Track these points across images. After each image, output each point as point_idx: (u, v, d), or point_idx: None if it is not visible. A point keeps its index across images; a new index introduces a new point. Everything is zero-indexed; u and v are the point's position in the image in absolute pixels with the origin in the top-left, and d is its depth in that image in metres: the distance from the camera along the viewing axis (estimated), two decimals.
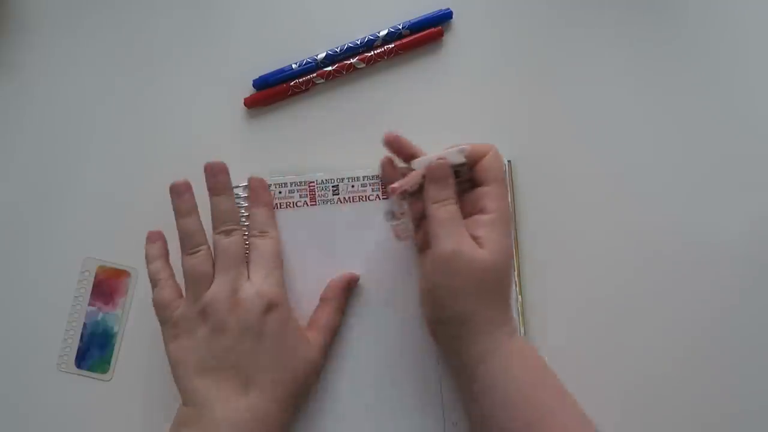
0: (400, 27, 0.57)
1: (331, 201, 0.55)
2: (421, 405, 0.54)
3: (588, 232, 0.56)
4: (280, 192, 0.55)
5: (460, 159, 0.50)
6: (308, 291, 0.54)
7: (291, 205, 0.55)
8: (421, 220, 0.51)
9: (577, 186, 0.56)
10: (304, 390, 0.51)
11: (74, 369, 0.56)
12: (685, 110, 0.57)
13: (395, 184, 0.50)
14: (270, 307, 0.49)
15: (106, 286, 0.56)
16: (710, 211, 0.56)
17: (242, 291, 0.49)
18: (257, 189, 0.54)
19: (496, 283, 0.48)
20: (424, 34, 0.57)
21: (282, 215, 0.55)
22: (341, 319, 0.54)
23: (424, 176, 0.49)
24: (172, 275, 0.52)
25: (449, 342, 0.49)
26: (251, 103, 0.57)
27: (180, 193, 0.52)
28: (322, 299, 0.54)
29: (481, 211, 0.49)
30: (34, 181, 0.57)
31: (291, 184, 0.55)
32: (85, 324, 0.56)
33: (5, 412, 0.55)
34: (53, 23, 0.58)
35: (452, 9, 0.57)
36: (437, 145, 0.56)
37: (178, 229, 0.52)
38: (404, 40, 0.57)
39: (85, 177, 0.57)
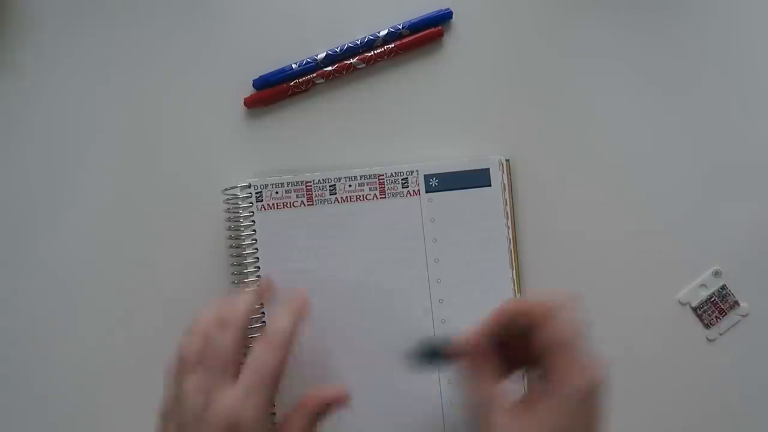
0: (400, 27, 0.57)
1: (328, 201, 0.55)
2: (421, 405, 0.54)
3: (587, 232, 0.55)
4: (277, 192, 0.55)
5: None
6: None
7: (288, 205, 0.55)
8: None
9: (576, 186, 0.56)
10: None
11: None
12: (686, 110, 0.56)
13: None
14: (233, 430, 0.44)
15: None
16: (710, 211, 0.55)
17: (214, 403, 0.44)
18: (294, 299, 0.49)
19: None
20: (424, 34, 0.57)
21: (279, 215, 0.55)
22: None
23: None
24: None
25: None
26: (251, 103, 0.57)
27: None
28: (301, 408, 0.47)
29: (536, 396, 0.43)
30: (33, 181, 0.57)
31: (288, 184, 0.55)
32: None
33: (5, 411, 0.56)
34: (53, 23, 0.58)
35: (452, 9, 0.57)
36: (437, 144, 0.56)
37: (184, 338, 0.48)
38: (404, 40, 0.57)
39: (84, 177, 0.57)
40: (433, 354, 0.47)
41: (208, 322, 0.47)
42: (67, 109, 0.58)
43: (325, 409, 0.47)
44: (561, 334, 0.42)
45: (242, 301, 0.48)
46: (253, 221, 0.55)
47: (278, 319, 0.47)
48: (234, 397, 0.44)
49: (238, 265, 0.55)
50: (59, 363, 0.56)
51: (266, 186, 0.55)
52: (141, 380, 0.55)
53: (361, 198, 0.55)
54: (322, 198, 0.55)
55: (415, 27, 0.57)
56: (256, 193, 0.55)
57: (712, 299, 0.55)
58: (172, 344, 0.49)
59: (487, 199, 0.54)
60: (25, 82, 0.58)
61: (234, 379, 0.45)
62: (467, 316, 0.53)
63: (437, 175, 0.55)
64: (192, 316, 0.47)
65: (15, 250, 0.57)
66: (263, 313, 0.54)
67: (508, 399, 0.43)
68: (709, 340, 0.56)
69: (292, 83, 0.57)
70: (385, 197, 0.55)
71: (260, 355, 0.45)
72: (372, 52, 0.57)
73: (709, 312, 0.55)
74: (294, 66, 0.57)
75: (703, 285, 0.55)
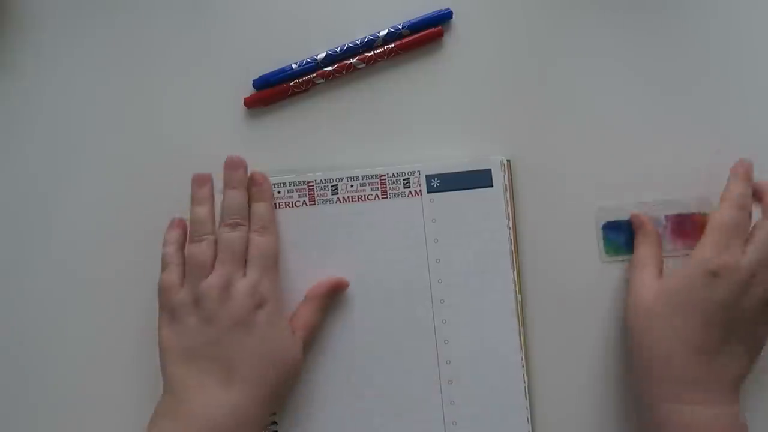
0: (400, 27, 0.57)
1: (330, 201, 0.55)
2: (421, 404, 0.54)
3: (587, 232, 0.55)
4: (279, 192, 0.55)
5: None
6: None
7: (290, 204, 0.55)
8: None
9: (576, 186, 0.56)
10: (284, 389, 0.52)
11: None
12: (685, 110, 0.56)
13: None
14: (261, 303, 0.50)
15: None
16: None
17: (236, 285, 0.50)
18: (261, 184, 0.54)
19: (665, 314, 0.49)
20: (424, 34, 0.57)
21: (281, 215, 0.55)
22: (322, 319, 0.54)
23: None
24: (183, 263, 0.52)
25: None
26: (251, 103, 0.57)
27: (200, 183, 0.53)
28: (307, 296, 0.54)
29: None
30: (33, 181, 0.57)
31: (290, 183, 0.55)
32: None
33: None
34: (53, 23, 0.58)
35: (452, 9, 0.57)
36: (438, 144, 0.56)
37: (190, 215, 0.53)
38: (404, 40, 0.57)
39: (84, 177, 0.57)
40: (619, 228, 0.55)
41: (206, 228, 0.52)
42: (67, 109, 0.58)
43: (330, 295, 0.54)
44: (722, 213, 0.49)
45: (241, 199, 0.53)
46: None
47: (256, 207, 0.53)
48: (250, 279, 0.50)
49: None
50: (63, 360, 0.56)
51: None
52: (149, 375, 0.55)
53: (363, 198, 0.55)
54: (324, 198, 0.55)
55: (415, 27, 0.57)
56: None
57: None
58: None
59: (489, 200, 0.54)
60: (25, 82, 0.58)
61: (244, 270, 0.51)
62: (468, 317, 0.54)
63: (439, 176, 0.55)
64: (190, 220, 0.53)
65: (15, 250, 0.57)
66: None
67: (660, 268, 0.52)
68: None
69: (292, 83, 0.57)
70: (386, 197, 0.55)
71: (260, 243, 0.52)
72: (372, 52, 0.57)
73: None
74: (294, 66, 0.57)
75: None
